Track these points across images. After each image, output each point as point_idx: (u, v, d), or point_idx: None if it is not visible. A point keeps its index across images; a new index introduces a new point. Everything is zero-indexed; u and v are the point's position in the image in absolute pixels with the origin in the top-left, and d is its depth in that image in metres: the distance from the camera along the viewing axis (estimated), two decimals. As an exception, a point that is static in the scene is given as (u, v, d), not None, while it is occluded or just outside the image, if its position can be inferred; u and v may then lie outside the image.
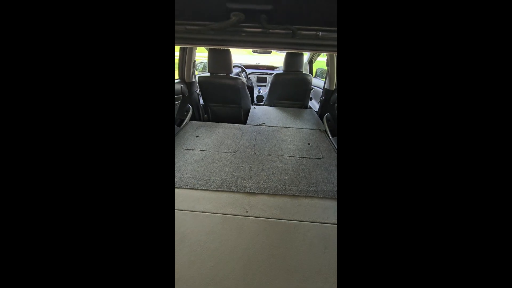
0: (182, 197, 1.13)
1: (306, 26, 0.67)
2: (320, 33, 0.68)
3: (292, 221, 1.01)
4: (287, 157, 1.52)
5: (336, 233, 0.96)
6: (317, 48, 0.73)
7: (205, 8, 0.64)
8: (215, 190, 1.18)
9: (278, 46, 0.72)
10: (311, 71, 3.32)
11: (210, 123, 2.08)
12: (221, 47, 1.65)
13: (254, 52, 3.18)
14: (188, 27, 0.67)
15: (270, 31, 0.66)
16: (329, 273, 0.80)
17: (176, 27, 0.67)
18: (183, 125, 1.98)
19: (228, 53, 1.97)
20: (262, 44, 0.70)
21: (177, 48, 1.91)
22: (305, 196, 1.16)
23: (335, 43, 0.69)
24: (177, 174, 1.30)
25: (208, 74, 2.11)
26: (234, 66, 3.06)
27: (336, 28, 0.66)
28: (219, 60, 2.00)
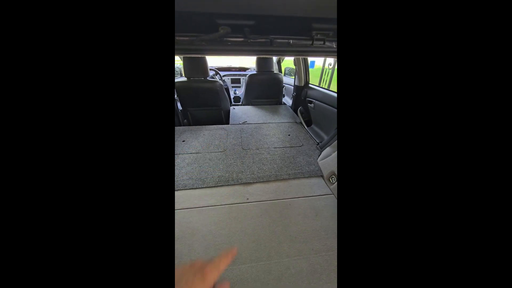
0: (184, 198, 1.19)
1: (280, 35, 0.83)
2: (291, 41, 0.85)
3: (287, 199, 1.18)
4: (273, 149, 1.69)
5: (323, 203, 1.16)
6: (289, 53, 0.91)
7: (197, 22, 0.75)
8: (214, 186, 1.28)
9: (258, 53, 0.88)
10: (280, 70, 3.57)
11: (194, 127, 2.12)
12: (210, 55, 1.73)
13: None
14: (179, 38, 0.77)
15: (252, 40, 0.81)
16: (321, 233, 0.98)
17: None
18: None
19: (203, 57, 2.04)
20: (245, 51, 0.84)
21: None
22: (294, 178, 1.34)
23: (303, 49, 0.87)
24: None
25: (184, 78, 2.12)
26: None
27: (303, 37, 0.84)
28: (195, 65, 2.05)
